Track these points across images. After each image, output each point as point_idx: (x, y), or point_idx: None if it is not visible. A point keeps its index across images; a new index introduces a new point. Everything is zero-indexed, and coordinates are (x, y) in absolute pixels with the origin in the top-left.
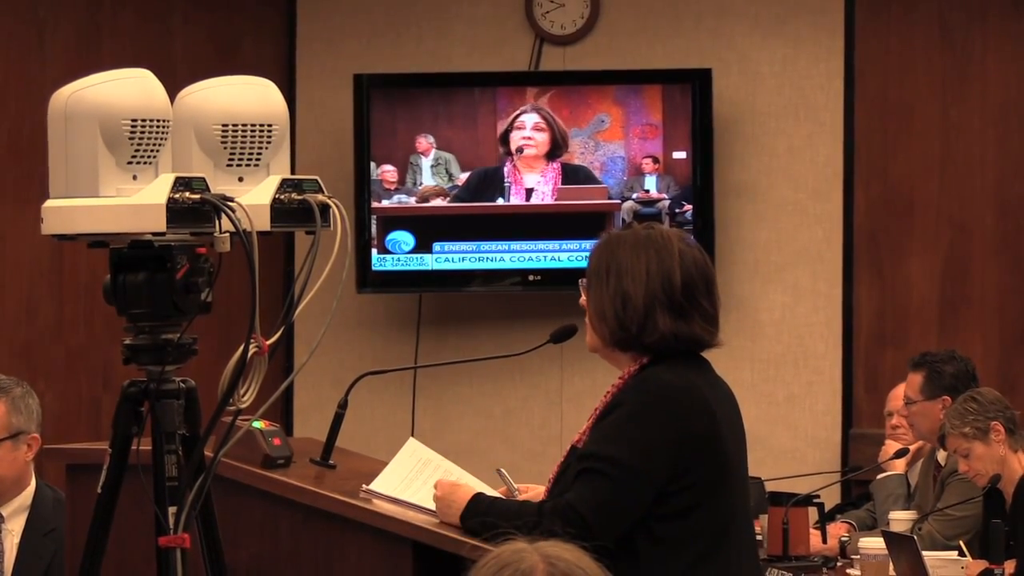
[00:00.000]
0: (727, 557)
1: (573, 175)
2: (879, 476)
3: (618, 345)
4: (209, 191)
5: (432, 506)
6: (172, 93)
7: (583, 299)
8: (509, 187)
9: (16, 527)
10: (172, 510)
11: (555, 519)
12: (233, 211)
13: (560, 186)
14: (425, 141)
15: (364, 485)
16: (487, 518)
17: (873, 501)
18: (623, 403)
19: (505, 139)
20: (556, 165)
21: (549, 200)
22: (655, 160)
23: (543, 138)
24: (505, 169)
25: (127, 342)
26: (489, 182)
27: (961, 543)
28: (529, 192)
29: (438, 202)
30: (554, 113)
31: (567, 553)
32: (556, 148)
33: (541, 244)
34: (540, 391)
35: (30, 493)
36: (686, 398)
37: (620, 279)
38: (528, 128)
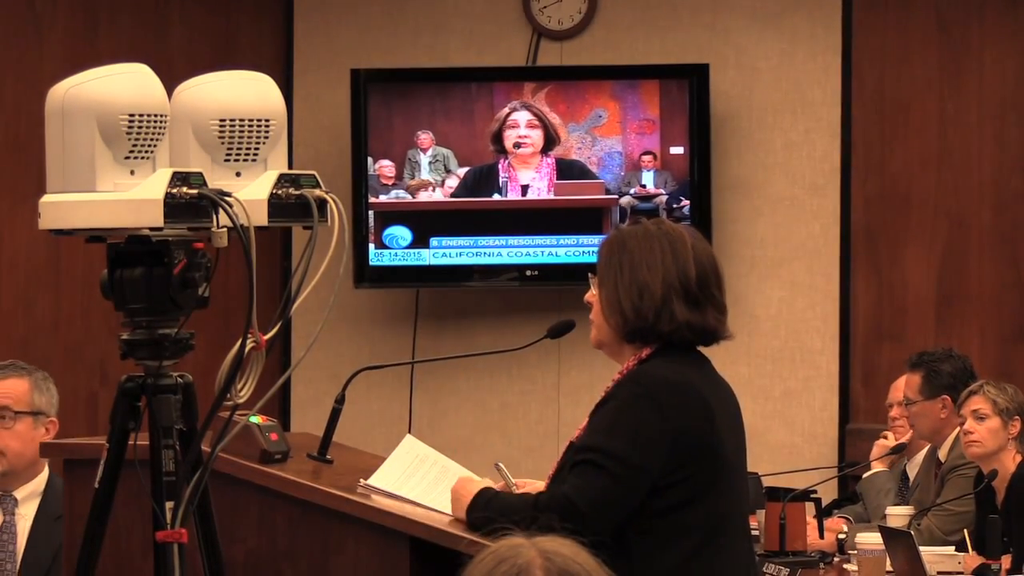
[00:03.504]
0: (721, 554)
1: (568, 170)
2: (865, 475)
3: (628, 337)
4: (207, 186)
5: (429, 501)
6: (169, 88)
7: (590, 294)
8: (506, 184)
9: (29, 511)
10: (169, 505)
11: (551, 512)
12: (231, 206)
13: (556, 181)
14: (425, 136)
15: (362, 480)
16: (487, 512)
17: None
18: (616, 396)
19: (498, 137)
20: (551, 160)
21: (545, 195)
22: (653, 155)
23: (537, 135)
24: (500, 166)
25: (124, 337)
26: (485, 180)
27: (965, 532)
28: (525, 188)
29: (435, 197)
30: (551, 108)
31: (564, 548)
32: (549, 143)
33: (538, 239)
34: (537, 386)
35: (43, 479)
36: (680, 392)
37: (635, 270)
38: (522, 126)
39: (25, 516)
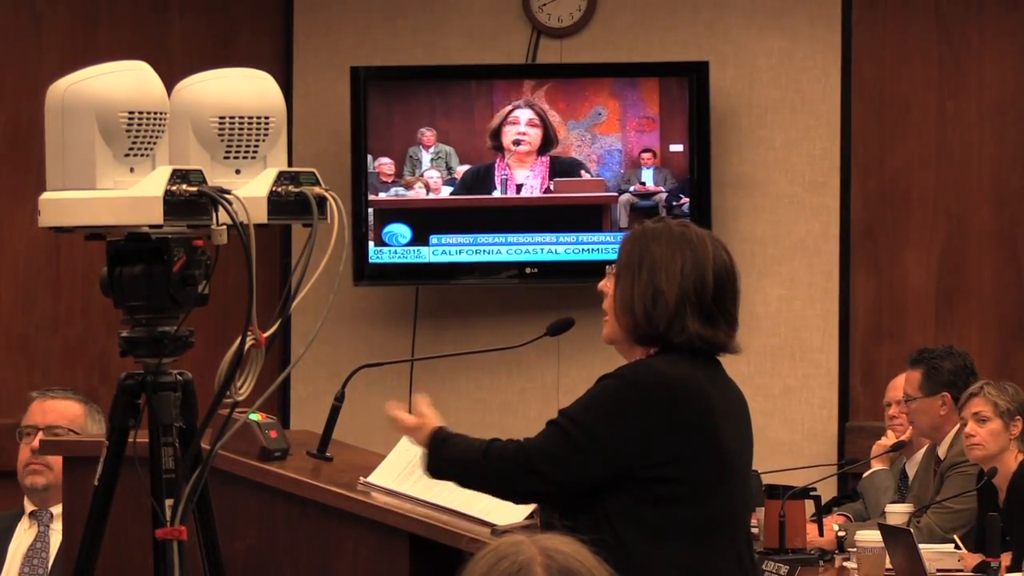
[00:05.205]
0: (719, 554)
1: (563, 168)
2: (865, 474)
3: (637, 340)
4: (206, 183)
5: (430, 497)
6: (169, 85)
7: (605, 283)
8: (506, 181)
9: (62, 528)
10: (169, 502)
11: (502, 461)
12: (230, 203)
13: (554, 179)
14: (429, 134)
15: (362, 477)
16: (440, 456)
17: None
18: (611, 377)
19: (497, 134)
20: (546, 159)
21: (538, 195)
22: (652, 153)
23: (536, 134)
24: (496, 165)
25: (124, 334)
26: (482, 179)
27: (956, 536)
28: (520, 187)
29: (430, 194)
30: (550, 106)
31: (565, 545)
32: (547, 143)
33: (538, 237)
34: (537, 384)
35: None
36: (676, 387)
37: (653, 274)
38: (523, 124)
39: (58, 531)
